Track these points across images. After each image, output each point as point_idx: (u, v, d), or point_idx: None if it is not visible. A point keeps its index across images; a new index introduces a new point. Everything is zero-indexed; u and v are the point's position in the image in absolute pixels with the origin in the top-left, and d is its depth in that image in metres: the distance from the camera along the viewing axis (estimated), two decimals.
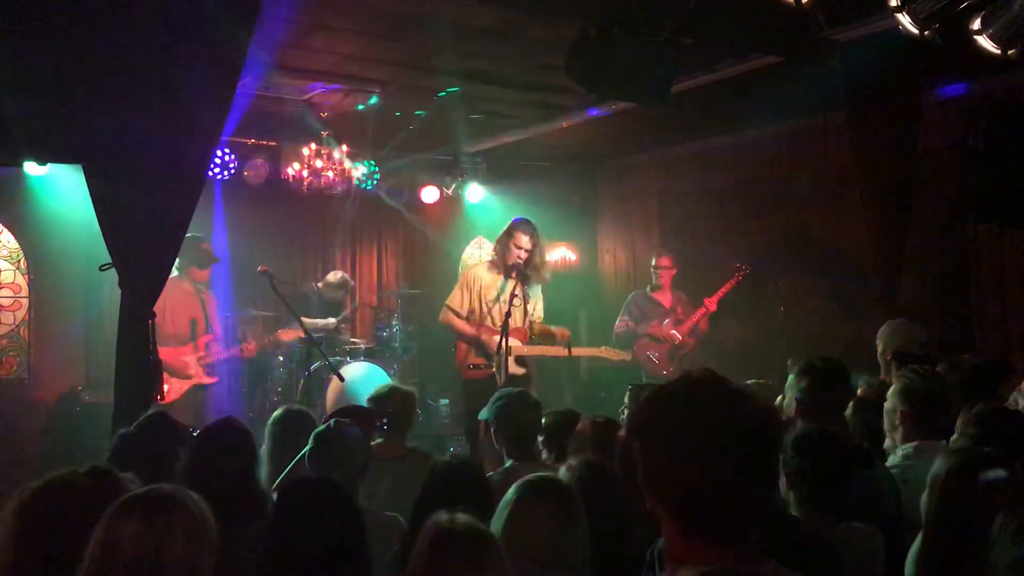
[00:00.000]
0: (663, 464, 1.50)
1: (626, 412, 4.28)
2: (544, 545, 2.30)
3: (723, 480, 1.44)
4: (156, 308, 6.31)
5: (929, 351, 4.51)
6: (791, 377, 3.63)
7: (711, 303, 7.65)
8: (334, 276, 8.63)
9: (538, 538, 2.30)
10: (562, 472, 2.79)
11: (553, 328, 6.54)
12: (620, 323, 7.83)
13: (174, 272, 6.61)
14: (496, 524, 2.35)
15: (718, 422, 1.47)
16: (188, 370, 6.66)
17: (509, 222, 6.59)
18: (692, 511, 1.48)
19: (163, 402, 6.22)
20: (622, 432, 3.24)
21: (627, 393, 4.35)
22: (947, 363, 4.74)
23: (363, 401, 4.52)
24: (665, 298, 7.88)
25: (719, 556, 1.45)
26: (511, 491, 2.42)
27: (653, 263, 7.99)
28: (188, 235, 6.67)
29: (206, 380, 6.79)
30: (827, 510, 2.64)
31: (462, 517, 2.13)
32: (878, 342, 4.69)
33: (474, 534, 2.10)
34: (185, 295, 6.77)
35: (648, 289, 8.00)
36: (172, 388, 6.52)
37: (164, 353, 6.36)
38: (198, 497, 2.24)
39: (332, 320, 8.04)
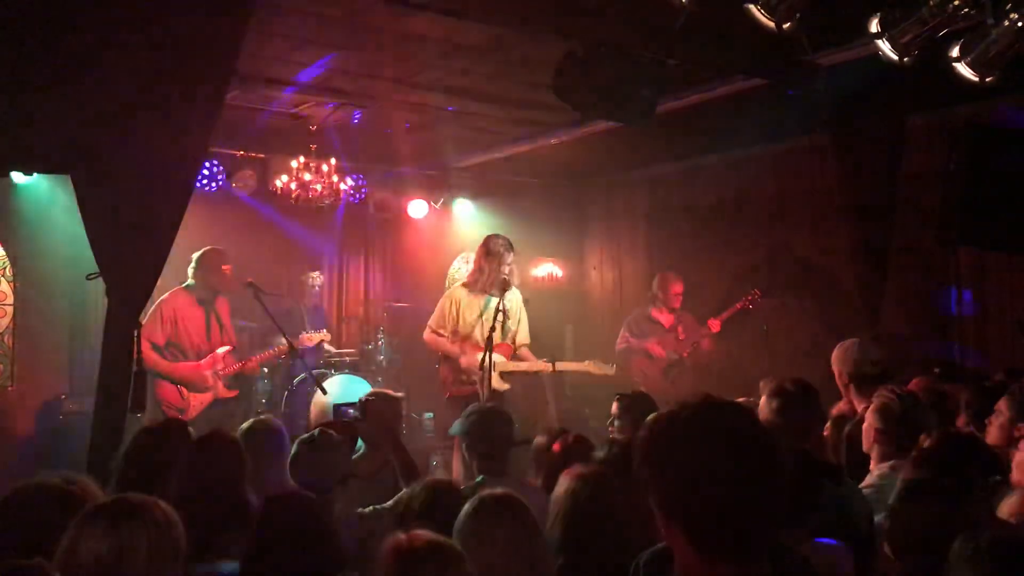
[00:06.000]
0: (681, 485, 1.54)
1: (615, 422, 4.29)
2: (501, 561, 2.29)
3: (739, 497, 1.49)
4: (168, 323, 6.45)
5: (886, 368, 4.52)
6: (763, 399, 3.69)
7: (715, 324, 7.64)
8: (314, 278, 8.67)
9: (495, 554, 2.29)
10: (567, 482, 2.77)
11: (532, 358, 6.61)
12: (621, 340, 7.86)
13: (189, 281, 6.64)
14: (454, 540, 2.33)
15: (732, 439, 1.53)
16: (207, 384, 6.58)
17: (487, 241, 6.59)
18: (711, 530, 1.52)
19: (183, 419, 6.27)
20: (597, 453, 3.27)
21: (615, 402, 4.36)
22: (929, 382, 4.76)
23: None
24: (666, 317, 7.88)
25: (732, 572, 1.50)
26: (467, 507, 2.42)
27: (664, 286, 7.88)
28: (213, 249, 6.75)
29: (226, 394, 6.71)
30: (796, 527, 2.66)
31: (422, 533, 2.11)
32: (833, 366, 4.69)
33: (436, 548, 2.08)
34: (197, 308, 6.67)
35: (649, 307, 8.01)
36: (193, 404, 6.52)
37: (183, 369, 6.49)
38: (168, 507, 2.24)
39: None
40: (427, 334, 6.66)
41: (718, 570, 1.51)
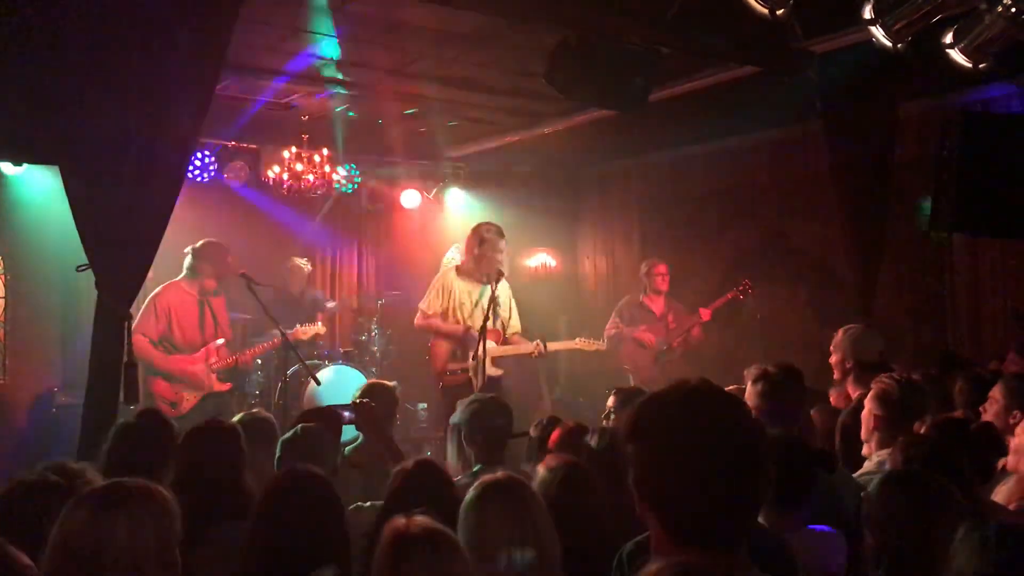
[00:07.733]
0: (654, 469, 1.52)
1: (611, 415, 4.28)
2: (508, 546, 2.29)
3: (711, 487, 1.47)
4: (162, 317, 6.40)
5: (887, 359, 4.53)
6: (748, 384, 3.68)
7: (706, 313, 7.60)
8: (302, 266, 8.61)
9: (501, 539, 2.29)
10: (542, 473, 2.78)
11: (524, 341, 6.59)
12: (611, 326, 7.83)
13: (185, 273, 6.59)
14: (459, 527, 2.34)
15: (710, 430, 1.50)
16: (200, 378, 6.54)
17: (479, 228, 6.52)
18: (680, 516, 1.50)
19: (176, 413, 6.23)
20: (590, 437, 3.26)
21: (611, 395, 4.36)
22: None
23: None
24: (656, 305, 7.84)
25: (705, 560, 1.46)
26: (471, 492, 2.42)
27: (649, 270, 7.88)
28: (213, 241, 6.70)
29: (219, 387, 6.67)
30: (789, 513, 2.67)
31: (419, 520, 2.10)
32: (834, 350, 4.67)
33: (433, 536, 2.08)
34: (191, 301, 6.62)
35: (640, 295, 7.99)
36: (187, 398, 6.48)
37: (177, 362, 6.44)
38: (166, 493, 2.23)
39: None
40: (419, 319, 6.63)
41: (689, 556, 1.48)
